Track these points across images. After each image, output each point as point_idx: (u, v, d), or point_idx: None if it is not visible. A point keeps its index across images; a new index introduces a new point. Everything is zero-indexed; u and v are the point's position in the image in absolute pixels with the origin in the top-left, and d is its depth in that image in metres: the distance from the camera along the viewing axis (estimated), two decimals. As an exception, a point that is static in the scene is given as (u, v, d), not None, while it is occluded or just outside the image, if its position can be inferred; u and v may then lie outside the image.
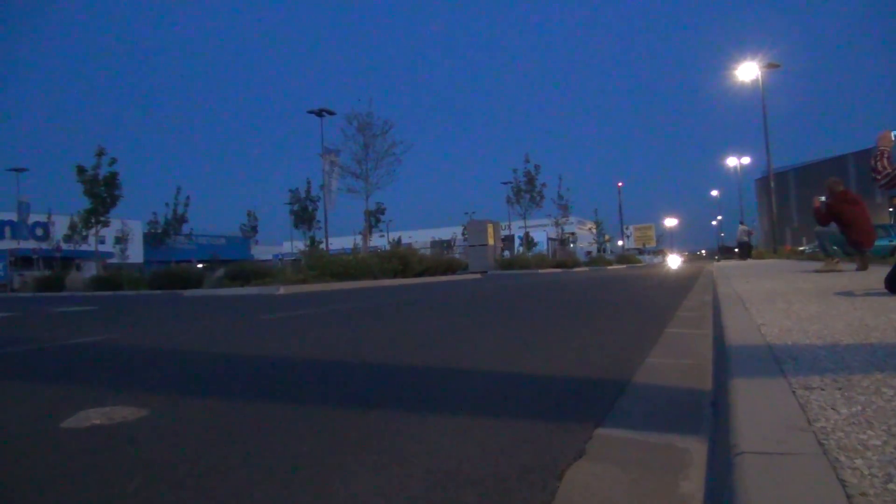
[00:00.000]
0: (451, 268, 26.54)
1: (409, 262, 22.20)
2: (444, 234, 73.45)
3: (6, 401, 2.71)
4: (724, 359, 2.16)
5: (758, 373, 1.80)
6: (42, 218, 45.04)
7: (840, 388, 1.55)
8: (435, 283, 18.85)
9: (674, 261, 54.88)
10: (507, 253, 44.27)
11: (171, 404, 2.45)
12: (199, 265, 28.66)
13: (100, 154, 27.10)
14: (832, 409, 1.37)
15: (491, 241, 37.65)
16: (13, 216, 37.47)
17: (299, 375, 3.10)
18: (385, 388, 2.67)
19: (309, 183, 37.22)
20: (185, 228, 36.17)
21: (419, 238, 68.69)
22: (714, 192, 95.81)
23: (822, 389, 1.54)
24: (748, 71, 28.80)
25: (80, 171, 26.92)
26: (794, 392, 1.53)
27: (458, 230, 65.39)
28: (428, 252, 34.52)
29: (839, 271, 8.54)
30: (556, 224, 47.33)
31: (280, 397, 2.54)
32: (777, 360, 1.95)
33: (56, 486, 1.54)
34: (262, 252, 62.80)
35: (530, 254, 46.22)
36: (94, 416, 2.22)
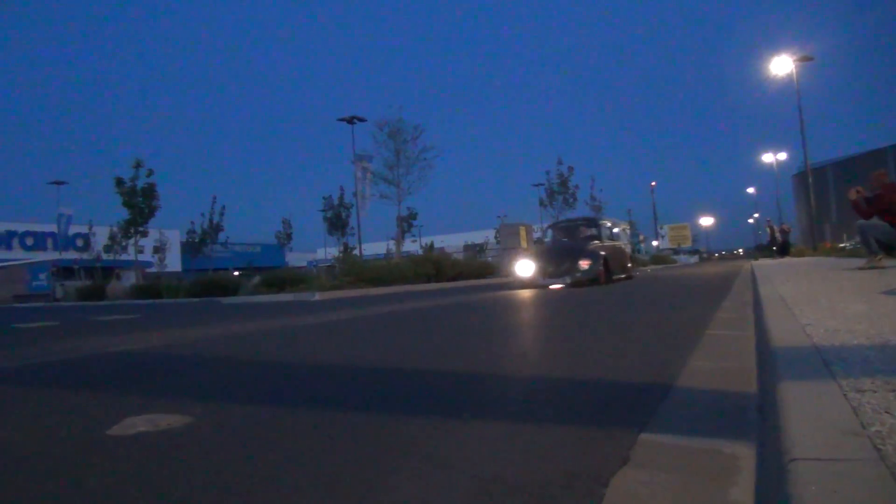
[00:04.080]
0: (485, 272, 26.49)
1: (442, 266, 22.26)
2: (477, 237, 73.26)
3: (53, 408, 2.77)
4: (770, 361, 2.12)
5: (806, 375, 1.76)
6: (83, 229, 46.14)
7: (893, 391, 1.50)
8: (468, 287, 18.84)
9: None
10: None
11: (214, 411, 2.48)
12: (236, 273, 29.06)
13: (137, 166, 27.70)
14: (886, 412, 1.33)
15: (524, 244, 37.43)
16: (54, 228, 38.40)
17: (340, 381, 3.12)
18: (426, 394, 2.67)
19: (342, 190, 37.59)
20: (222, 237, 36.74)
21: (452, 242, 68.66)
22: (750, 190, 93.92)
23: (875, 392, 1.50)
24: (782, 65, 28.33)
25: (119, 182, 27.56)
26: (845, 395, 1.48)
27: (491, 233, 65.17)
28: (461, 256, 34.45)
29: (883, 268, 8.32)
30: (589, 225, 46.84)
31: (321, 403, 2.56)
32: (825, 362, 1.90)
33: (105, 493, 1.57)
34: (296, 259, 63.45)
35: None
36: (139, 424, 2.25)
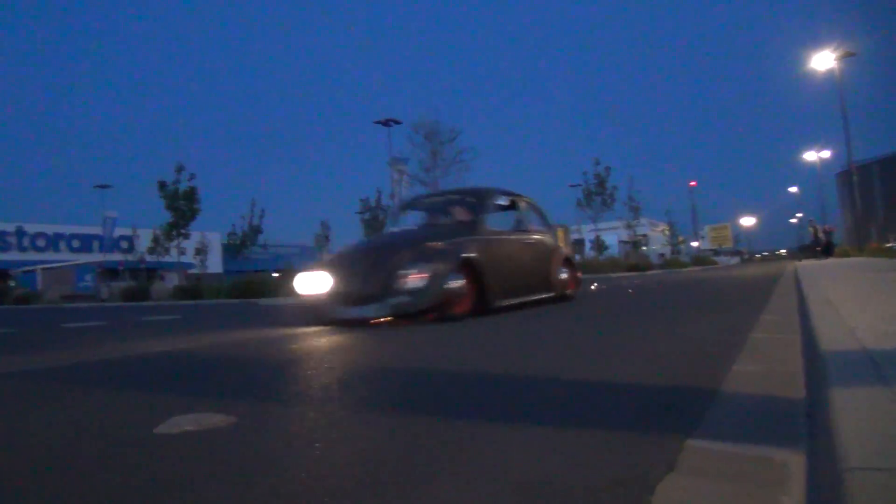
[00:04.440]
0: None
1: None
2: (513, 238, 72.74)
3: (103, 407, 2.84)
4: (818, 365, 2.07)
5: (856, 380, 1.71)
6: (127, 232, 47.31)
7: (951, 398, 1.46)
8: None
9: None
10: (577, 256, 43.66)
11: (257, 411, 2.51)
12: (275, 274, 29.37)
13: (179, 170, 28.34)
14: (945, 420, 1.29)
15: (561, 245, 37.09)
16: (100, 230, 39.41)
17: (380, 383, 3.14)
18: (468, 398, 2.67)
19: (379, 192, 37.71)
20: (261, 239, 37.19)
21: (488, 243, 68.36)
22: (793, 189, 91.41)
23: (931, 399, 1.46)
24: (823, 61, 27.66)
25: (162, 186, 28.22)
26: (899, 402, 1.45)
27: (528, 235, 64.65)
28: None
29: (934, 269, 8.07)
30: (628, 226, 46.45)
31: (362, 405, 2.57)
32: (876, 366, 1.85)
33: (150, 489, 1.60)
34: (333, 260, 63.64)
35: (601, 257, 45.49)
36: (184, 423, 2.30)
